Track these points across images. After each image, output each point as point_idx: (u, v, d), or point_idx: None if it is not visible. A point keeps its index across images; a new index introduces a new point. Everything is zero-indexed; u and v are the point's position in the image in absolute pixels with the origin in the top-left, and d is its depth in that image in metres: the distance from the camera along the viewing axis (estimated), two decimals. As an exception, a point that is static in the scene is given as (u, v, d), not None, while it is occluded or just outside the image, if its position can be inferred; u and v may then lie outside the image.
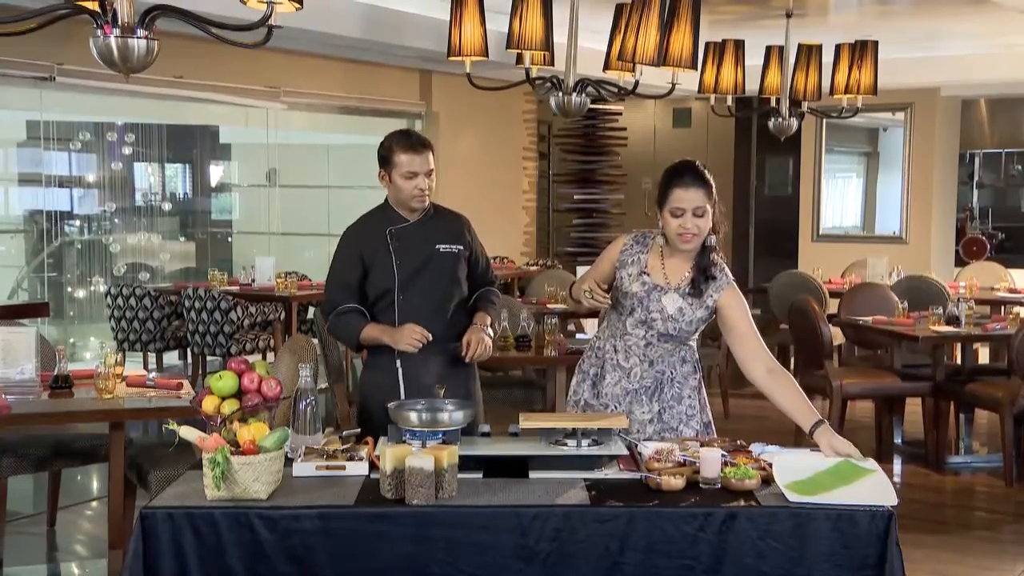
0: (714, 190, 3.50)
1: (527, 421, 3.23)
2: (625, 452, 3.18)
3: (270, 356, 7.95)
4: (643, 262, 3.57)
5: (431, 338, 3.71)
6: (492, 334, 3.94)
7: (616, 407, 3.62)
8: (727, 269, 3.59)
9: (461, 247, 3.92)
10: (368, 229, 3.89)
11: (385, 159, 3.81)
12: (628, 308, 3.57)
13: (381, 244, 3.83)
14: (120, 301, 8.29)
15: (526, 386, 6.48)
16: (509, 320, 5.79)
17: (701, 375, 3.73)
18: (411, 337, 3.69)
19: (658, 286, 3.54)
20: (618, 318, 3.62)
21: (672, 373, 3.62)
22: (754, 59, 7.71)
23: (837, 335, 7.61)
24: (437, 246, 3.86)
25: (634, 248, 3.61)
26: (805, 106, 7.98)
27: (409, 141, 3.79)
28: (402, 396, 3.66)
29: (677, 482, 2.91)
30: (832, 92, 7.80)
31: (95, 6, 2.99)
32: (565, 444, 3.16)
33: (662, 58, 5.47)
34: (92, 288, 10.03)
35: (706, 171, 3.53)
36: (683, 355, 3.64)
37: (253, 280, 8.83)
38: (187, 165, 11.93)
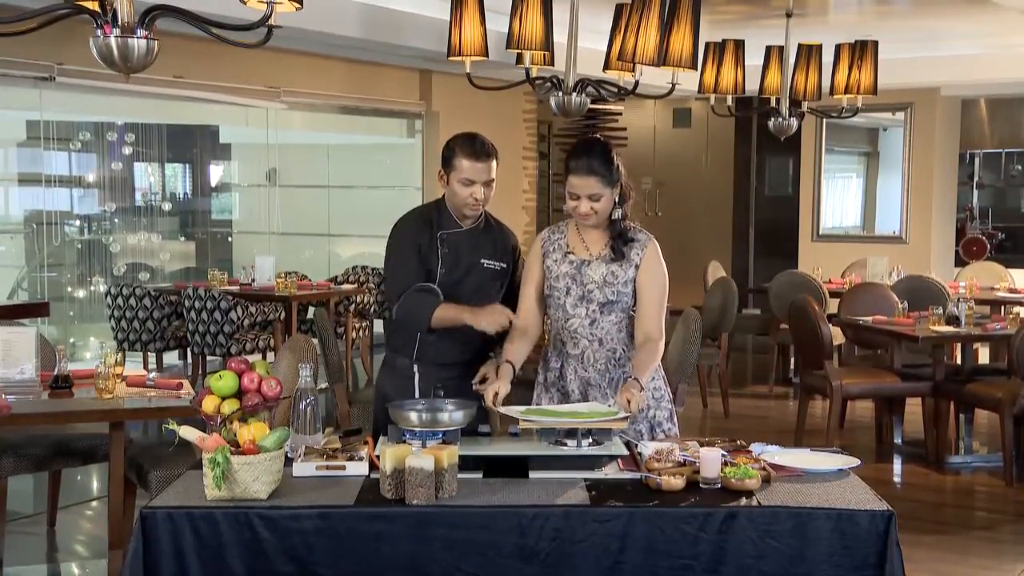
0: (616, 170, 3.55)
1: (527, 421, 3.23)
2: (625, 452, 3.18)
3: (270, 356, 7.96)
4: (564, 245, 3.68)
5: (516, 321, 3.58)
6: None
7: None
8: (644, 230, 3.69)
9: (505, 265, 3.82)
10: (421, 226, 3.78)
11: (447, 160, 3.71)
12: (564, 290, 3.64)
13: (432, 246, 3.74)
14: (120, 301, 8.29)
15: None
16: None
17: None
18: (494, 319, 3.55)
19: (584, 260, 3.64)
20: (558, 306, 3.66)
21: (625, 351, 3.64)
22: (754, 59, 7.71)
23: (837, 335, 7.61)
24: (482, 260, 3.76)
25: (552, 237, 3.72)
26: (805, 106, 7.97)
27: (473, 148, 3.67)
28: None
29: (677, 482, 2.91)
30: (832, 92, 7.79)
31: (95, 6, 2.98)
32: (565, 444, 3.16)
33: (662, 58, 5.47)
34: (92, 288, 10.03)
35: (607, 154, 3.55)
36: (631, 331, 3.66)
37: (253, 280, 8.82)
38: (187, 165, 11.93)
